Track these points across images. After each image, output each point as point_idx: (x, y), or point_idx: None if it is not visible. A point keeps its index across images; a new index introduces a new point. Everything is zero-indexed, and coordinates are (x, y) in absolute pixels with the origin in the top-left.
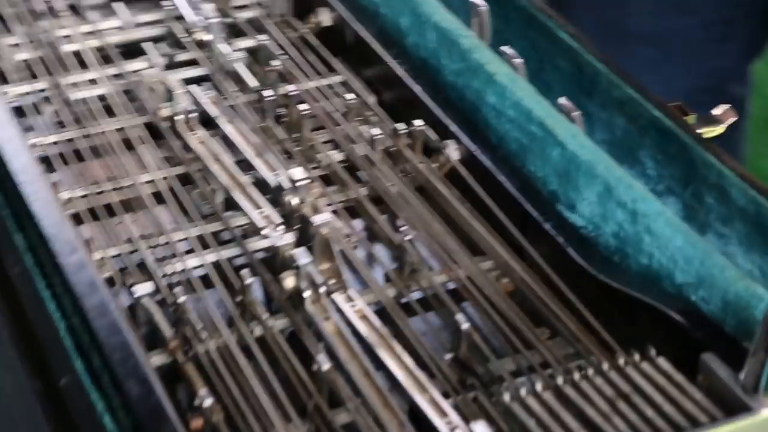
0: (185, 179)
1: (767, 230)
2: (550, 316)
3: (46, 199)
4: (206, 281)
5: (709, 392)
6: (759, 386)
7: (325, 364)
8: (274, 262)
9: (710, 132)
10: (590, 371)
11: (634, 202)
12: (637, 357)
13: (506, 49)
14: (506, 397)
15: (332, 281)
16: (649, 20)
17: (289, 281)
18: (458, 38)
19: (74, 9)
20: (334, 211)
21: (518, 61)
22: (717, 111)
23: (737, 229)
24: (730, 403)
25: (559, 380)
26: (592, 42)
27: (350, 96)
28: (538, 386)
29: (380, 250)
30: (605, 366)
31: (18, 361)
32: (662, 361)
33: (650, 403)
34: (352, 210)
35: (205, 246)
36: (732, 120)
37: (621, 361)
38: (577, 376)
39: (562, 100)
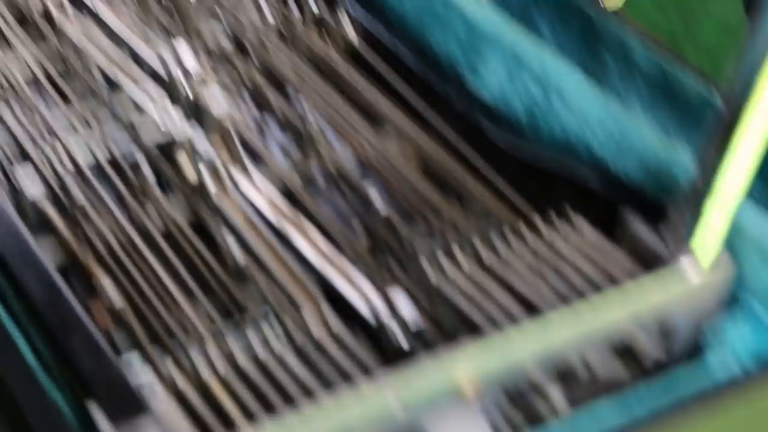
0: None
1: (669, 91)
2: (459, 187)
3: None
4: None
5: (631, 252)
6: (681, 247)
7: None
8: (171, 149)
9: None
10: (508, 234)
11: (542, 66)
12: (555, 218)
13: None
14: (423, 260)
15: (233, 168)
16: None
17: (188, 172)
18: None
19: None
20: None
21: None
22: None
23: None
24: (650, 256)
25: (477, 244)
26: None
27: None
28: (455, 249)
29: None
30: (523, 228)
31: None
32: (581, 221)
33: (568, 263)
34: (250, 93)
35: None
36: None
37: (538, 222)
38: (495, 239)
39: None
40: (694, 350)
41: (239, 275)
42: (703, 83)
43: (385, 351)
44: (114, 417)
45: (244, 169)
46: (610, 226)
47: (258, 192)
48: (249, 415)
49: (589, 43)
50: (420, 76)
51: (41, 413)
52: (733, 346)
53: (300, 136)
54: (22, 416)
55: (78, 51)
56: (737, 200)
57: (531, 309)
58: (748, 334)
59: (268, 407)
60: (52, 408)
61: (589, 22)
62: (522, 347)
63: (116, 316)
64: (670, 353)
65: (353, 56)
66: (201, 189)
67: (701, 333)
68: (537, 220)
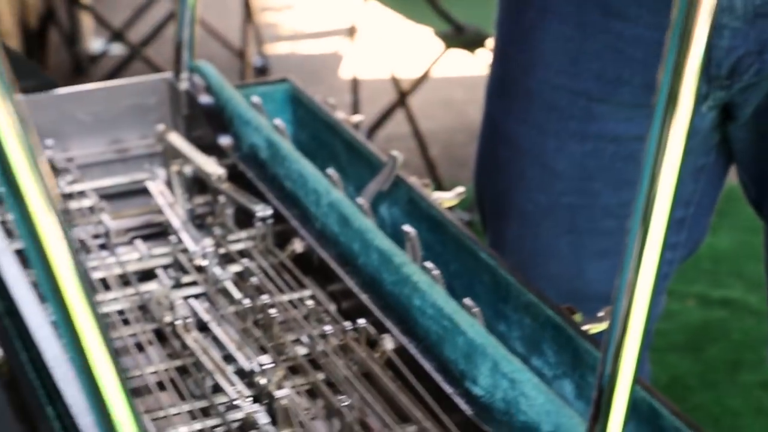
0: (183, 370)
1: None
2: None
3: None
4: None
5: None
6: None
7: None
8: (246, 426)
9: (595, 328)
10: None
11: (512, 372)
12: None
13: (428, 264)
14: None
15: None
16: None
17: None
18: (393, 257)
19: (104, 246)
20: (298, 392)
21: (436, 272)
22: (601, 312)
23: None
24: None
25: None
26: (504, 260)
27: (311, 303)
28: None
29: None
30: None
31: None
32: None
33: None
34: (312, 392)
35: (194, 418)
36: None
37: None
38: None
39: (466, 300)
40: None
41: None
42: None
43: None
44: None
45: None
46: None
47: None
48: None
49: (578, 366)
50: (436, 382)
51: None
52: None
53: (343, 424)
54: None
55: (195, 360)
56: None
57: None
58: None
59: None
60: None
61: (576, 346)
62: None
63: None
64: None
65: (389, 364)
66: None
67: None
68: None
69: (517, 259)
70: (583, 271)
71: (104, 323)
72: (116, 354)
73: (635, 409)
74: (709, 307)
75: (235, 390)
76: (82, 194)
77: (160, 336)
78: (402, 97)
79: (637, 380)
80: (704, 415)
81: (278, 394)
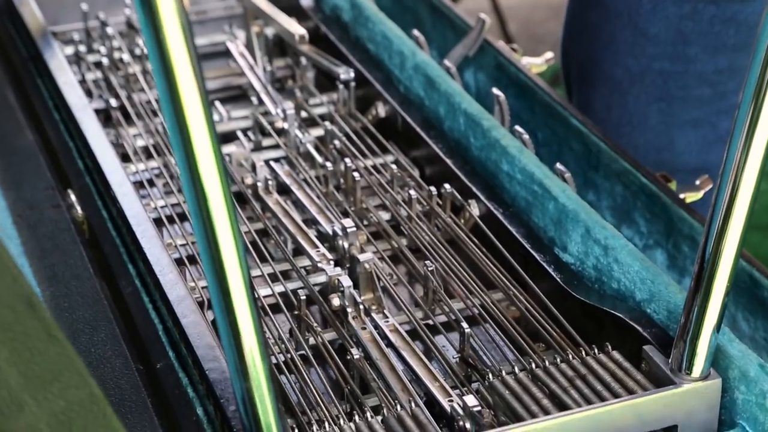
0: (264, 233)
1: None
2: (544, 333)
3: (154, 242)
4: (275, 307)
5: (649, 375)
6: (681, 367)
7: (356, 355)
8: (327, 290)
9: (691, 197)
10: (559, 361)
11: (606, 239)
12: (596, 350)
13: (518, 128)
14: (490, 377)
15: (374, 307)
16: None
17: (335, 300)
18: (481, 120)
19: None
20: (380, 258)
21: (526, 136)
22: (698, 181)
23: None
24: (663, 381)
25: (533, 366)
26: (596, 126)
27: (395, 168)
28: (517, 370)
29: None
30: (570, 356)
31: (127, 350)
32: (616, 354)
33: (600, 381)
34: (396, 257)
35: (276, 280)
36: (709, 187)
37: (583, 353)
38: (548, 364)
39: (558, 165)
40: None
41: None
42: None
43: None
44: None
45: (380, 307)
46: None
47: (387, 325)
48: None
49: (672, 235)
50: (523, 246)
51: None
52: None
53: (425, 287)
54: None
55: (277, 222)
56: (718, 329)
57: (565, 409)
58: None
59: None
60: None
61: (670, 214)
62: None
63: None
64: None
65: (476, 231)
66: (344, 316)
67: None
68: (584, 352)
69: (604, 128)
70: (673, 142)
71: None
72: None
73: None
74: None
75: (318, 253)
76: None
77: (241, 198)
78: None
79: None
80: None
81: (361, 257)
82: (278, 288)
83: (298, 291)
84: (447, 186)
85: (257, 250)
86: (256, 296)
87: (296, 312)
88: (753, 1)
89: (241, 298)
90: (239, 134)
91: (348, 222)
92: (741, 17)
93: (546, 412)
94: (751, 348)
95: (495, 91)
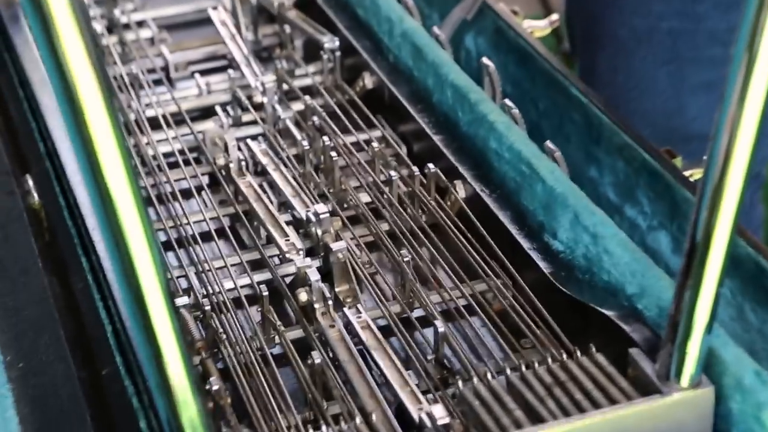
0: (236, 218)
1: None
2: (527, 330)
3: None
4: (239, 300)
5: (635, 382)
6: (669, 374)
7: (317, 359)
8: (297, 283)
9: (698, 174)
10: (537, 365)
11: (594, 226)
12: (578, 353)
13: (507, 101)
14: (461, 384)
15: (349, 300)
16: None
17: (302, 296)
18: (468, 93)
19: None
20: (357, 244)
21: (515, 111)
22: (706, 155)
23: None
24: (649, 389)
25: (508, 370)
26: (598, 96)
27: (378, 146)
28: (490, 376)
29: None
30: (550, 360)
31: (71, 354)
32: (600, 357)
33: (580, 389)
34: (375, 244)
35: (245, 271)
36: None
37: (565, 356)
38: (525, 370)
39: (548, 144)
40: None
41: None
42: None
43: None
44: None
45: (355, 300)
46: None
47: (359, 321)
48: None
49: (676, 217)
50: (512, 235)
51: None
52: None
53: (402, 279)
54: None
55: (249, 207)
56: (709, 330)
57: (539, 421)
58: None
59: None
60: None
61: (674, 194)
62: None
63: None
64: None
65: (461, 218)
66: (311, 311)
67: None
68: (564, 353)
69: (609, 93)
70: (684, 107)
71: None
72: (151, 203)
73: (738, 267)
74: None
75: (288, 242)
76: (141, 24)
77: (215, 180)
78: None
79: (740, 232)
80: None
81: (334, 246)
82: (243, 280)
83: (264, 285)
84: (431, 166)
85: (234, 237)
86: (176, 301)
87: (259, 309)
88: None
89: (157, 305)
90: (218, 109)
91: (321, 207)
92: None
93: (518, 425)
94: (761, 342)
95: (485, 60)
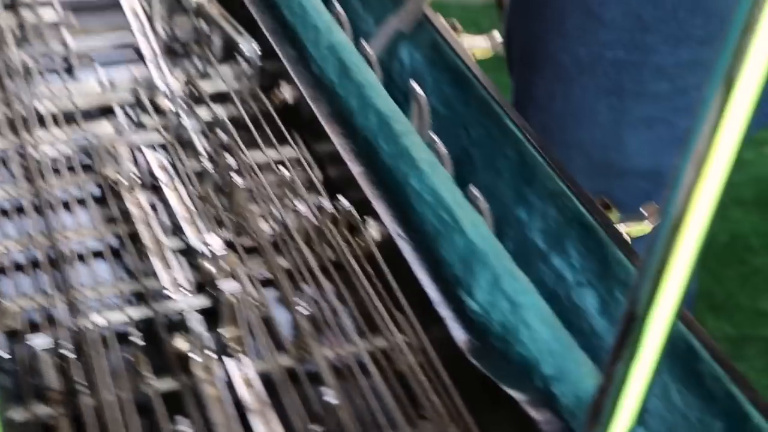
0: (122, 240)
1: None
2: (425, 401)
3: None
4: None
5: None
6: None
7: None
8: (175, 325)
9: (637, 231)
10: None
11: (515, 293)
12: None
13: (432, 134)
14: None
15: (235, 347)
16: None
17: (178, 342)
18: (392, 122)
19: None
20: (252, 281)
21: (443, 150)
22: (643, 209)
23: None
24: None
25: None
26: (537, 136)
27: (289, 172)
28: None
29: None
30: None
31: None
32: None
33: None
34: (272, 282)
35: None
36: (658, 222)
37: None
38: None
39: (472, 189)
40: None
41: None
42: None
43: None
44: None
45: (242, 348)
46: None
47: (240, 376)
48: None
49: (606, 277)
50: (421, 284)
51: None
52: None
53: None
54: None
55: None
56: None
57: None
58: None
59: None
60: None
61: (605, 252)
62: None
63: None
64: None
65: (369, 261)
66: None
67: None
68: None
69: (544, 119)
70: (623, 141)
71: None
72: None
73: (668, 344)
74: None
75: (171, 276)
76: (45, 4)
77: (104, 197)
78: None
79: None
80: (764, 280)
81: (225, 287)
82: (117, 316)
83: (143, 323)
84: (344, 201)
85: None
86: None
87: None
88: None
89: None
90: (117, 110)
91: (215, 240)
92: (708, 5)
93: None
94: (683, 426)
95: (413, 84)
